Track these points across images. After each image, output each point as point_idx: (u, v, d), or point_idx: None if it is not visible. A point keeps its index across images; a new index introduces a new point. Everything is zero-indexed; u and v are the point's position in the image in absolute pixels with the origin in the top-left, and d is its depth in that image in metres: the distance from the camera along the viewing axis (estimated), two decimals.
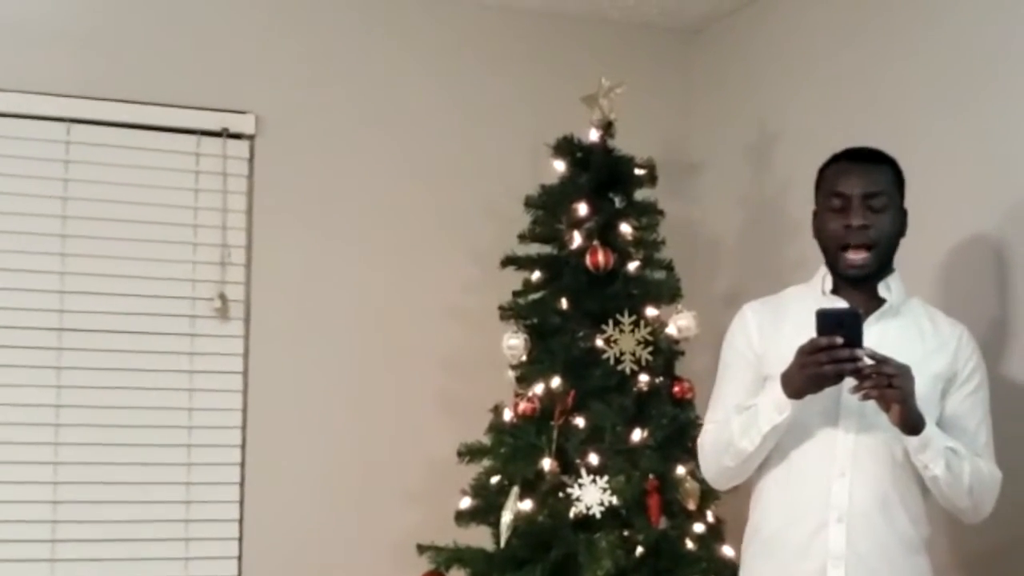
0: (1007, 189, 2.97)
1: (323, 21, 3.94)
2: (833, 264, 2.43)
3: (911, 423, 2.25)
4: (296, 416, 3.82)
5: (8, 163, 3.59)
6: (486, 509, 3.32)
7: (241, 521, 3.75)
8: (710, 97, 4.26)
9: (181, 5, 3.79)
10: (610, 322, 3.25)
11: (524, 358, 3.34)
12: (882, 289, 2.42)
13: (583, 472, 3.15)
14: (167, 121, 3.73)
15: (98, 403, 3.62)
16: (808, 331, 2.24)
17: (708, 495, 3.18)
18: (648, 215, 3.43)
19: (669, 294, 3.37)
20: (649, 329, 3.26)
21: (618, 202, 3.42)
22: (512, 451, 3.28)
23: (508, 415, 3.34)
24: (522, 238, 3.46)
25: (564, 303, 3.34)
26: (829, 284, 2.45)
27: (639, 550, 3.13)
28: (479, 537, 3.33)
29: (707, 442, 2.53)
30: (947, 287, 3.10)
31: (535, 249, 3.46)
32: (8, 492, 3.53)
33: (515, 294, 3.44)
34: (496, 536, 3.22)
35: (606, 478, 3.12)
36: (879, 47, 3.44)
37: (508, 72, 4.13)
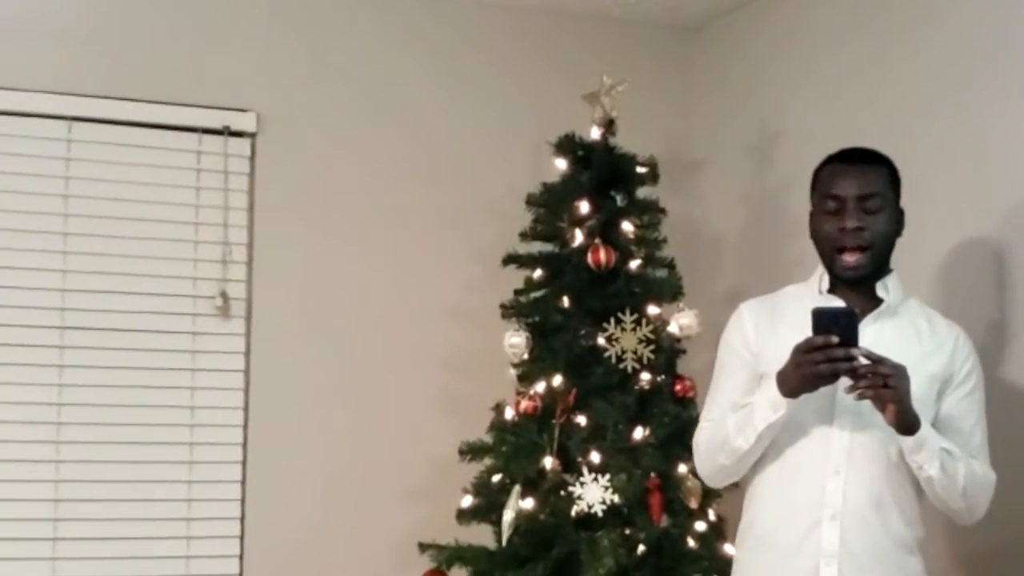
0: (1007, 190, 2.96)
1: (324, 19, 3.94)
2: (829, 265, 2.43)
3: (906, 423, 2.25)
4: (298, 414, 3.82)
5: (9, 161, 3.59)
6: (488, 507, 3.32)
7: (243, 519, 3.75)
8: (711, 95, 4.25)
9: (182, 3, 3.79)
10: (612, 320, 3.25)
11: (526, 356, 3.33)
12: (880, 289, 2.42)
13: (585, 470, 3.15)
14: (168, 119, 3.73)
15: (100, 401, 3.62)
16: (804, 330, 2.24)
17: (710, 493, 3.18)
18: (650, 213, 3.43)
19: (671, 292, 3.37)
20: (651, 327, 3.26)
21: (619, 200, 3.42)
22: (514, 449, 3.29)
23: (510, 413, 3.34)
24: (523, 236, 3.46)
25: (566, 301, 3.34)
26: (826, 284, 2.45)
27: (641, 548, 3.13)
28: (480, 535, 3.34)
29: (702, 440, 2.53)
30: (946, 288, 3.09)
31: (536, 247, 3.46)
32: (10, 490, 3.53)
33: (517, 292, 3.44)
34: (497, 534, 3.22)
35: (608, 476, 3.12)
36: (880, 46, 3.43)
37: (509, 70, 4.12)
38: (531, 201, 3.46)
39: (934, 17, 3.24)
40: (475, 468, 3.37)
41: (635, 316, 3.26)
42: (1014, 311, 2.94)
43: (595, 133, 3.42)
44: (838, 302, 2.38)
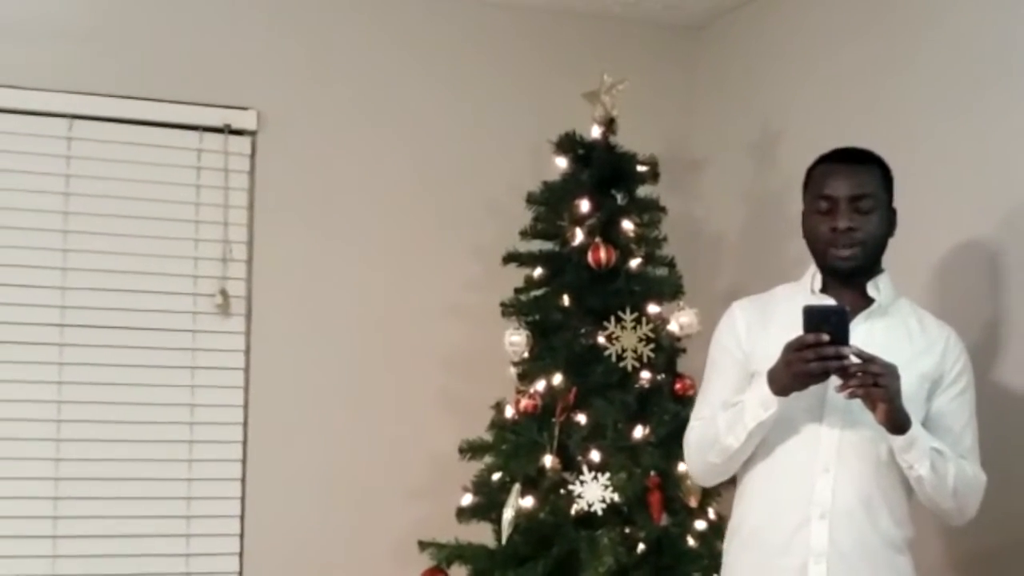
0: (1005, 191, 2.96)
1: (325, 18, 3.94)
2: (822, 261, 2.43)
3: (897, 422, 2.25)
4: (297, 412, 3.82)
5: (10, 159, 3.59)
6: (487, 506, 3.32)
7: (243, 517, 3.75)
8: (712, 94, 4.25)
9: (183, 1, 3.79)
10: (612, 319, 3.25)
11: (526, 355, 3.33)
12: (871, 289, 2.42)
13: (584, 469, 3.15)
14: (169, 117, 3.73)
15: (99, 398, 3.62)
16: (796, 329, 2.24)
17: (710, 492, 3.18)
18: (650, 212, 3.43)
19: (671, 291, 3.37)
20: (651, 326, 3.26)
21: (620, 199, 3.41)
22: (514, 448, 3.28)
23: (510, 412, 3.34)
24: (524, 235, 3.46)
25: (566, 300, 3.34)
26: (819, 283, 2.45)
27: (640, 547, 3.13)
28: (480, 534, 3.33)
29: (693, 439, 2.53)
30: (943, 289, 3.09)
31: (537, 246, 3.46)
32: (10, 487, 3.53)
33: (517, 291, 3.44)
34: (497, 533, 3.22)
35: (607, 475, 3.12)
36: (882, 45, 3.43)
37: (510, 68, 4.12)
38: (531, 199, 3.46)
39: (935, 17, 3.24)
40: (475, 466, 3.37)
41: (635, 315, 3.26)
42: (1010, 313, 2.94)
43: (596, 132, 3.41)
44: (830, 301, 2.38)
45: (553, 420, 3.24)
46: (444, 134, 4.03)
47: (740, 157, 4.02)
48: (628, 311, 3.26)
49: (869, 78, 3.46)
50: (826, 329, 2.20)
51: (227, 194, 3.78)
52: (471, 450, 3.37)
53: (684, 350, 3.39)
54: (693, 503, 3.19)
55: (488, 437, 3.37)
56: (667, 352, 3.32)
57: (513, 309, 3.40)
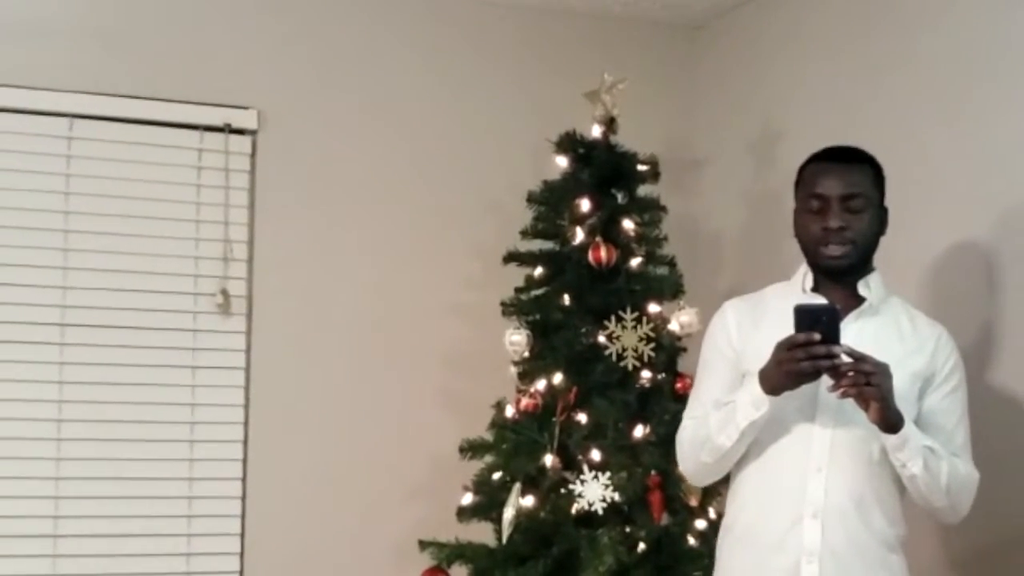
0: (1003, 192, 2.96)
1: (326, 17, 3.94)
2: (813, 260, 2.43)
3: (890, 421, 2.25)
4: (298, 411, 3.82)
5: (10, 159, 3.59)
6: (488, 505, 3.32)
7: (243, 517, 3.75)
8: (713, 93, 4.25)
9: (183, 1, 3.79)
10: (612, 318, 3.25)
11: (526, 354, 3.33)
12: (862, 288, 2.42)
13: (585, 468, 3.15)
14: (169, 116, 3.73)
15: (100, 398, 3.62)
16: (787, 328, 2.24)
17: (710, 492, 3.17)
18: (651, 211, 3.43)
19: (671, 290, 3.37)
20: (651, 325, 3.26)
21: (620, 198, 3.41)
22: (514, 447, 3.29)
23: (510, 411, 3.34)
24: (524, 234, 3.46)
25: (566, 299, 3.34)
26: (810, 282, 2.45)
27: (641, 546, 3.13)
28: (481, 533, 3.33)
29: (685, 438, 2.54)
30: (938, 289, 3.10)
31: (537, 245, 3.46)
32: (11, 487, 3.53)
33: (517, 290, 3.44)
34: (498, 532, 3.22)
35: (608, 474, 3.12)
36: (881, 45, 3.43)
37: (510, 68, 4.12)
38: (532, 199, 3.46)
39: (934, 18, 3.24)
40: (475, 466, 3.37)
41: (636, 314, 3.26)
42: (1004, 313, 2.94)
43: (596, 131, 3.41)
44: (821, 300, 2.38)
45: (554, 419, 3.24)
46: (444, 133, 4.03)
47: (740, 156, 4.02)
48: (629, 310, 3.26)
49: (868, 78, 3.46)
50: (817, 328, 2.20)
51: (228, 193, 3.78)
52: (472, 449, 3.37)
53: (685, 349, 3.38)
54: (694, 502, 3.19)
55: (489, 436, 3.37)
56: (668, 351, 3.32)
57: (514, 308, 3.41)
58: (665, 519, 3.21)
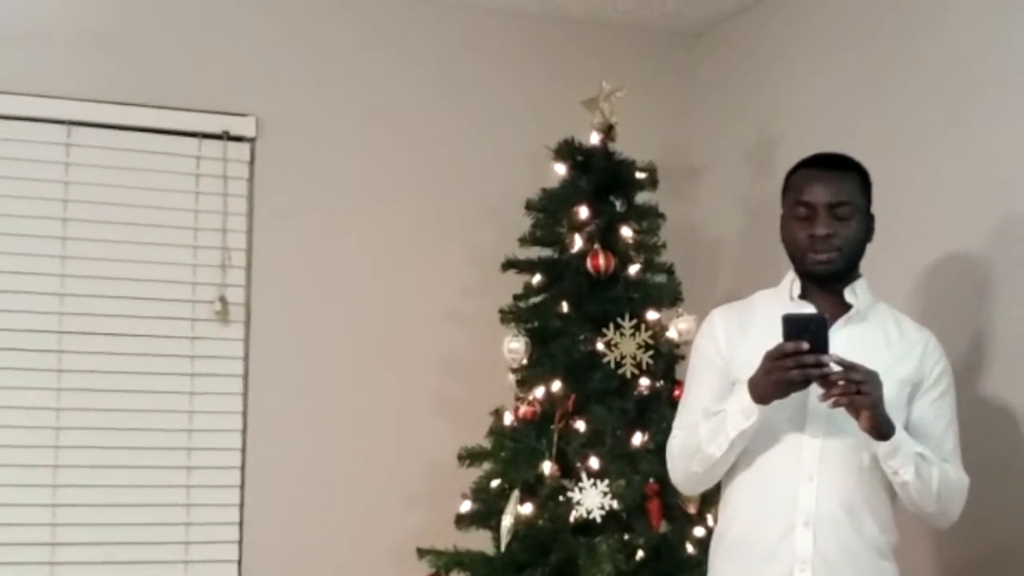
0: (999, 200, 2.96)
1: (324, 24, 3.94)
2: (800, 266, 2.43)
3: (881, 429, 2.25)
4: (296, 419, 3.82)
5: (8, 166, 3.59)
6: (486, 513, 3.32)
7: (241, 524, 3.75)
8: (711, 101, 4.26)
9: (182, 8, 3.79)
10: (611, 326, 3.25)
11: (525, 361, 3.34)
12: (848, 295, 2.42)
13: (583, 476, 3.15)
14: (168, 124, 3.73)
15: (98, 405, 3.61)
16: (775, 335, 2.25)
17: (708, 499, 3.17)
18: (649, 219, 3.43)
19: (670, 298, 3.37)
20: (650, 333, 3.26)
21: (619, 206, 3.42)
22: (512, 455, 3.28)
23: (509, 419, 3.35)
24: (523, 241, 3.46)
25: (565, 307, 3.34)
26: (797, 289, 2.45)
27: (639, 554, 3.13)
28: (479, 541, 3.33)
29: (675, 448, 2.53)
30: (929, 296, 3.10)
31: (536, 252, 3.46)
32: (8, 494, 3.52)
33: (516, 297, 3.44)
34: (496, 540, 3.22)
35: (606, 482, 3.12)
36: (879, 53, 3.44)
37: (509, 75, 4.13)
38: (530, 206, 3.46)
39: (932, 26, 3.24)
40: (474, 473, 3.37)
41: (634, 321, 3.26)
42: (996, 321, 2.94)
43: (594, 138, 3.42)
44: (809, 307, 2.39)
45: (552, 427, 3.24)
46: (443, 141, 4.03)
47: (738, 164, 4.03)
48: (627, 318, 3.26)
49: (865, 86, 3.47)
50: (805, 337, 2.21)
51: (226, 200, 3.78)
52: (470, 457, 3.37)
53: (683, 357, 3.37)
54: (692, 510, 3.18)
55: (487, 444, 3.37)
56: (666, 359, 3.32)
57: (512, 316, 3.41)
58: (663, 527, 3.20)
